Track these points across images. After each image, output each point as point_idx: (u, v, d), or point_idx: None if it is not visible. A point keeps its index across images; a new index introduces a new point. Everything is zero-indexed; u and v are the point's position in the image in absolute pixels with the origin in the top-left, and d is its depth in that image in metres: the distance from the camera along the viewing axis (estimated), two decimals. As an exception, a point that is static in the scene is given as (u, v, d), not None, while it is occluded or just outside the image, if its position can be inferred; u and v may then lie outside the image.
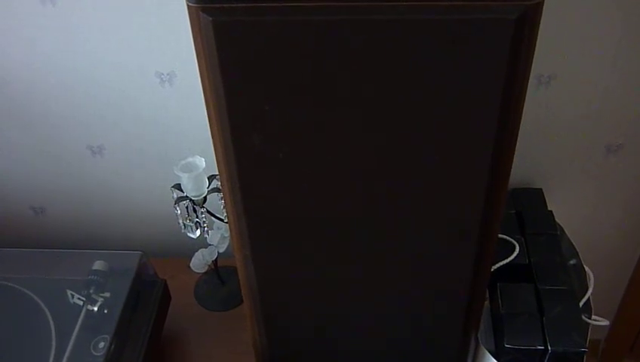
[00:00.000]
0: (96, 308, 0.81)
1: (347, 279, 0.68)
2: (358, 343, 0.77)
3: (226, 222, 0.89)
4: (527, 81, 0.51)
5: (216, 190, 0.85)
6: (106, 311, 0.81)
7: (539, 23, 0.47)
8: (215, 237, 0.91)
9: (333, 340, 0.77)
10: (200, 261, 0.94)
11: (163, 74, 0.86)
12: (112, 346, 0.78)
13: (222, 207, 0.87)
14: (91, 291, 0.82)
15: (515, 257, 0.83)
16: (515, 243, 0.84)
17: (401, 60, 0.49)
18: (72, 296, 0.82)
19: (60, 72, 0.87)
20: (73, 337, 0.79)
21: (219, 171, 0.60)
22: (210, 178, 0.85)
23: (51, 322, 0.82)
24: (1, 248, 0.93)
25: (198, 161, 0.83)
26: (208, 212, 0.86)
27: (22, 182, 1.01)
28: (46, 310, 0.83)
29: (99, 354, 0.77)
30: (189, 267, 0.93)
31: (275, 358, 0.80)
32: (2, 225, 1.06)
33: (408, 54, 0.48)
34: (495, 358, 0.77)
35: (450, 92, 0.50)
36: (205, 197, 0.85)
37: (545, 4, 0.45)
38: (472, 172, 0.56)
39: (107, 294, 0.82)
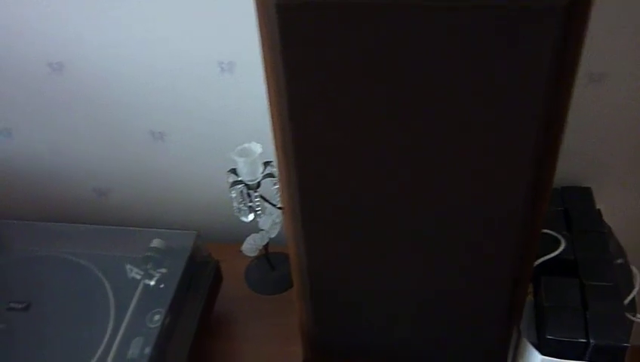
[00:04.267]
0: (152, 283, 0.85)
1: (396, 266, 0.70)
2: (402, 330, 0.79)
3: (279, 208, 0.92)
4: (574, 77, 0.52)
5: (270, 175, 0.88)
6: (162, 286, 0.85)
7: (589, 13, 0.48)
8: (267, 222, 0.94)
9: (378, 326, 0.79)
10: (251, 245, 0.97)
11: (224, 63, 0.89)
12: (167, 320, 0.82)
13: (275, 193, 0.90)
14: (149, 267, 0.86)
15: (561, 252, 0.83)
16: (561, 238, 0.85)
17: (450, 49, 0.51)
18: (131, 271, 0.86)
19: (124, 60, 0.92)
20: (130, 309, 0.83)
21: (276, 155, 0.63)
22: (265, 164, 0.88)
23: (110, 294, 0.86)
24: (64, 223, 0.98)
25: (254, 147, 0.86)
26: (262, 197, 0.89)
27: (86, 164, 1.06)
28: (105, 283, 0.87)
29: (154, 326, 0.81)
30: (241, 251, 0.97)
31: (321, 342, 0.82)
32: (67, 205, 1.11)
33: (457, 43, 0.50)
34: (537, 350, 0.78)
35: (494, 84, 0.52)
36: (259, 183, 0.88)
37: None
38: (515, 166, 0.58)
39: (164, 270, 0.86)
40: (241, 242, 0.97)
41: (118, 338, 0.80)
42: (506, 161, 0.57)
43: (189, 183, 1.05)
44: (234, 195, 0.88)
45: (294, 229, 0.69)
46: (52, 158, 1.06)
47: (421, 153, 0.58)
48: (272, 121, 0.60)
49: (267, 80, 0.57)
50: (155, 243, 0.90)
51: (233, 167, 0.88)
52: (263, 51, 0.55)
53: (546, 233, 0.85)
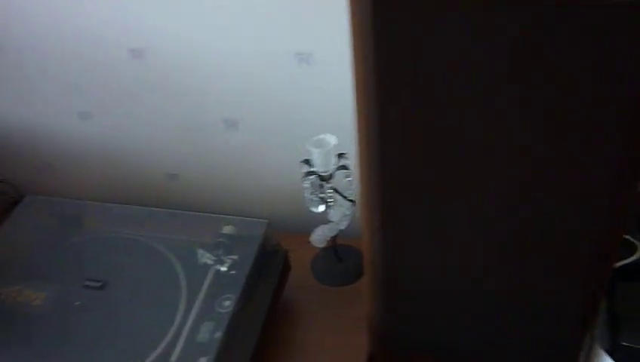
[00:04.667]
0: (224, 269, 0.86)
1: (472, 264, 0.70)
2: (471, 330, 0.78)
3: (350, 200, 0.92)
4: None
5: (343, 167, 0.88)
6: (233, 273, 0.86)
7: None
8: (337, 214, 0.94)
9: (448, 323, 0.78)
10: (320, 236, 0.97)
11: (302, 54, 0.90)
12: (237, 306, 0.83)
13: (347, 185, 0.90)
14: (220, 252, 0.88)
15: (638, 258, 0.82)
16: (638, 244, 0.83)
17: (555, 50, 0.50)
18: (203, 256, 0.88)
19: (201, 48, 0.93)
20: (202, 294, 0.85)
21: (358, 147, 0.63)
22: (339, 156, 0.88)
23: (182, 277, 0.87)
24: (136, 206, 1.01)
25: (329, 138, 0.86)
26: (334, 189, 0.90)
27: (159, 149, 1.08)
28: (177, 266, 0.89)
29: (224, 312, 0.82)
30: (309, 242, 0.97)
31: (389, 336, 0.82)
32: (139, 188, 1.14)
33: (569, 41, 0.49)
34: (609, 357, 0.76)
35: (589, 88, 0.51)
36: (331, 174, 0.89)
37: None
38: (602, 166, 0.57)
39: (235, 257, 0.87)
40: (308, 232, 0.98)
41: (189, 321, 0.82)
42: (595, 162, 0.56)
43: (260, 172, 1.06)
44: (306, 186, 0.89)
45: (370, 223, 0.69)
46: (127, 142, 1.08)
47: (511, 151, 0.58)
48: (358, 112, 0.60)
49: (355, 67, 0.57)
50: (227, 229, 0.91)
51: (306, 158, 0.88)
52: (353, 39, 0.55)
53: (623, 238, 0.84)
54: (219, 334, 0.80)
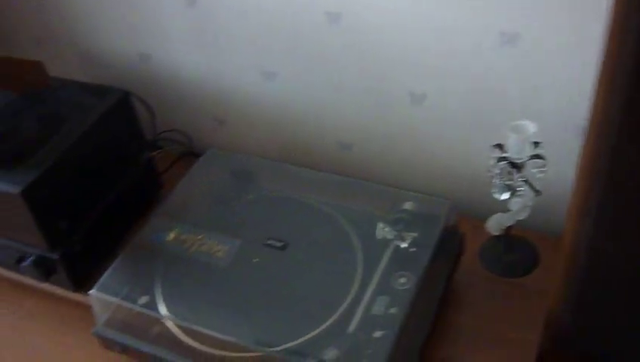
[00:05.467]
0: (404, 245, 0.85)
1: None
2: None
3: (536, 191, 0.89)
4: None
5: (537, 157, 0.85)
6: (413, 250, 0.85)
7: None
8: (518, 203, 0.91)
9: (634, 336, 0.75)
10: (496, 223, 0.95)
11: (506, 34, 0.86)
12: (415, 284, 0.82)
13: (535, 175, 0.87)
14: (400, 228, 0.87)
15: None
16: None
17: None
18: (383, 229, 0.87)
19: (398, 17, 0.91)
20: (379, 267, 0.84)
21: (588, 138, 0.59)
22: (534, 144, 0.85)
23: (358, 248, 0.87)
24: (312, 170, 1.01)
25: (528, 125, 0.83)
26: (524, 178, 0.86)
27: (335, 116, 1.08)
28: (353, 236, 0.89)
29: (401, 288, 0.82)
30: (485, 227, 0.95)
31: (569, 335, 0.79)
32: (310, 154, 1.14)
33: None
34: None
35: None
36: (524, 163, 0.85)
37: None
38: None
39: (414, 234, 0.86)
40: (478, 217, 0.96)
41: (366, 293, 0.81)
42: None
43: (440, 150, 1.03)
44: (497, 171, 0.86)
45: (581, 220, 0.66)
46: (306, 106, 1.09)
47: None
48: (596, 99, 0.57)
49: (609, 56, 0.53)
50: (407, 205, 0.90)
51: (499, 143, 0.85)
52: (613, 23, 0.51)
53: None
54: (394, 310, 0.80)
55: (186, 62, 1.14)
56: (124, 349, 0.85)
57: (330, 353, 0.75)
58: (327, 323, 0.79)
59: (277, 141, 1.16)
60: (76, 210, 0.93)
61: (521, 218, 0.93)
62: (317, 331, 0.78)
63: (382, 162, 1.09)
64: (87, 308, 0.94)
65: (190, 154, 1.23)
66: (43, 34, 1.25)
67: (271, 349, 0.77)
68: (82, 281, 0.95)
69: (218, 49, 1.09)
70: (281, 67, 1.05)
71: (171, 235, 0.90)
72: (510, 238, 0.98)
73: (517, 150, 0.84)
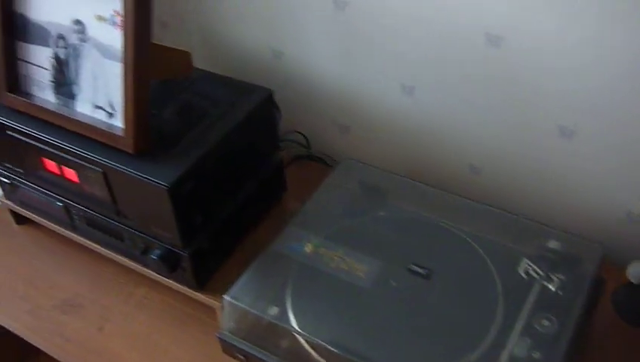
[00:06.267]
0: (551, 287, 0.81)
1: None
2: None
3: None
4: None
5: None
6: (560, 294, 0.81)
7: None
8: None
9: None
10: (638, 271, 0.90)
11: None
12: (560, 331, 0.78)
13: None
14: (546, 267, 0.83)
15: None
16: None
17: None
18: (528, 267, 0.83)
19: (552, 41, 0.88)
20: (525, 308, 0.80)
21: None
22: None
23: (498, 282, 0.83)
24: (448, 192, 0.97)
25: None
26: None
27: (467, 138, 1.04)
28: (492, 268, 0.85)
29: (544, 332, 0.78)
30: (627, 274, 0.90)
31: None
32: (437, 173, 1.11)
33: None
34: None
35: None
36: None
37: None
38: None
39: (562, 276, 0.82)
40: (616, 262, 0.91)
41: (507, 334, 0.78)
42: None
43: (584, 187, 0.98)
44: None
45: None
46: (439, 124, 1.05)
47: None
48: None
49: None
50: (553, 244, 0.86)
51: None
52: None
53: None
54: (537, 355, 0.76)
55: (319, 63, 1.11)
56: (247, 357, 0.84)
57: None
58: (467, 359, 0.76)
59: (402, 154, 1.13)
60: (211, 207, 0.92)
61: (666, 270, 0.88)
62: (456, 367, 0.75)
63: (510, 188, 1.05)
64: (201, 307, 0.93)
65: (306, 157, 1.21)
66: (169, 19, 1.25)
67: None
68: (204, 280, 0.94)
69: (358, 56, 1.06)
70: (421, 82, 1.02)
71: (309, 247, 0.87)
72: (649, 287, 0.93)
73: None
